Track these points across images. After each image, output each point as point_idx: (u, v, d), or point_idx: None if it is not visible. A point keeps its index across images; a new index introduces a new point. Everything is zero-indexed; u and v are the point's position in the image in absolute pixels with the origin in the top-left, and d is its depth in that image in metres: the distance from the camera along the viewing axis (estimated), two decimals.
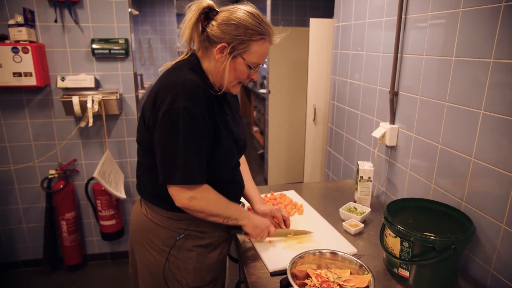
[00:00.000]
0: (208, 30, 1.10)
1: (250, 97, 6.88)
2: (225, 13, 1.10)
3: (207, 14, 1.11)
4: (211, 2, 1.11)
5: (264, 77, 5.67)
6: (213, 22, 1.09)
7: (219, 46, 1.09)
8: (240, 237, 1.42)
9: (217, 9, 1.12)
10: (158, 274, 1.21)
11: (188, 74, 1.09)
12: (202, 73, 1.15)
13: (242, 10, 1.09)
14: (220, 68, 1.12)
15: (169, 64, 1.18)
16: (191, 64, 1.14)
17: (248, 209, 1.50)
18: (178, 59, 1.19)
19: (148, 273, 1.24)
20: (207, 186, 1.15)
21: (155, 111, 1.08)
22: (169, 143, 1.06)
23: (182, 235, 1.20)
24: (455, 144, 1.31)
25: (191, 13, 1.09)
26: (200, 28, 1.12)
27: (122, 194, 2.53)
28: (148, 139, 1.13)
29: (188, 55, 1.18)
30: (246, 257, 1.33)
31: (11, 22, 2.18)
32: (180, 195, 1.10)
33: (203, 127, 1.07)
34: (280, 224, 1.43)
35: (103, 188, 2.44)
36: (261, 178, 4.78)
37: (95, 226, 2.81)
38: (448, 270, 1.14)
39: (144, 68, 6.26)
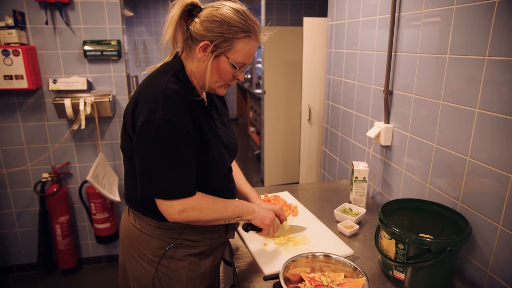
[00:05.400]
0: (191, 28, 1.04)
1: (246, 97, 6.86)
2: (209, 9, 1.04)
3: (191, 11, 1.05)
4: None
5: (259, 77, 5.65)
6: (196, 20, 1.04)
7: (201, 44, 1.03)
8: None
9: (201, 6, 1.06)
10: (148, 286, 1.16)
11: (169, 82, 1.03)
12: (186, 78, 1.09)
13: (226, 7, 1.04)
14: (202, 68, 1.06)
15: (153, 67, 1.13)
16: (174, 69, 1.09)
17: None
18: (162, 62, 1.14)
19: (139, 285, 1.19)
20: (198, 194, 1.09)
21: (134, 120, 1.03)
22: (150, 157, 1.01)
23: (172, 244, 1.15)
24: (450, 143, 1.29)
25: (174, 11, 1.04)
26: (184, 26, 1.06)
27: (116, 197, 2.50)
28: (131, 146, 1.07)
29: (172, 57, 1.13)
30: (240, 260, 1.30)
31: (1, 24, 2.14)
32: (169, 210, 1.04)
33: (186, 138, 1.01)
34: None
35: (97, 191, 2.41)
36: (257, 178, 4.75)
37: (89, 229, 2.78)
38: (444, 272, 1.12)
39: (140, 70, 6.24)
